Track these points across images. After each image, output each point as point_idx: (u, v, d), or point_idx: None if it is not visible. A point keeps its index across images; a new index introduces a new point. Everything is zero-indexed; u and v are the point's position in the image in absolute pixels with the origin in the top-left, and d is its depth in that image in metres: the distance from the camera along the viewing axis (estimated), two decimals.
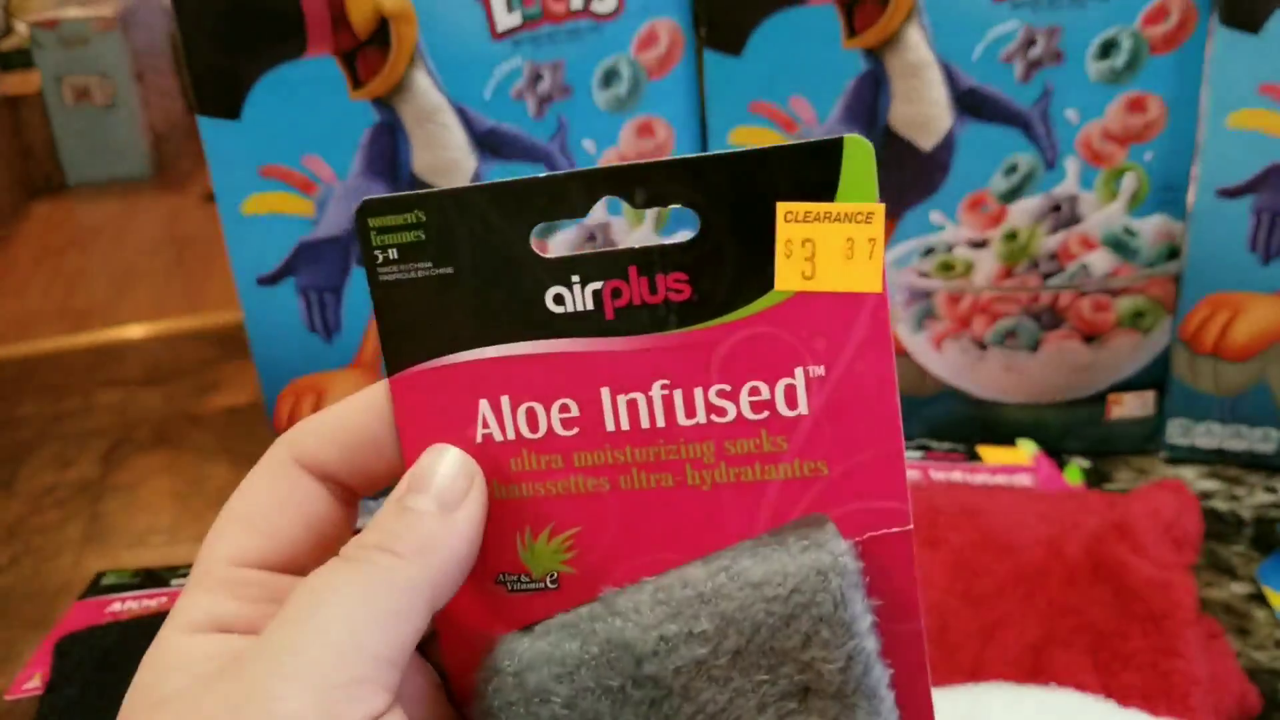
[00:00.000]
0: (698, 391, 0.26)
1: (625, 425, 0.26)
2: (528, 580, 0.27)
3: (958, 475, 0.57)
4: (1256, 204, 0.56)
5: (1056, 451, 0.62)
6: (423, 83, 0.54)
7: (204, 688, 0.23)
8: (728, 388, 0.26)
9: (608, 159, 0.59)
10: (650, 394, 0.26)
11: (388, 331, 0.27)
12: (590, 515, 0.27)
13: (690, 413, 0.26)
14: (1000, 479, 0.58)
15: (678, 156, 0.26)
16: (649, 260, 0.26)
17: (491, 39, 0.54)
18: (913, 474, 0.57)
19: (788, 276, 0.25)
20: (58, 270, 2.66)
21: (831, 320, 0.25)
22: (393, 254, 0.26)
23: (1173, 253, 0.59)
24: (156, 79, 3.15)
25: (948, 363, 0.62)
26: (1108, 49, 0.56)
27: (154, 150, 3.11)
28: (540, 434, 0.26)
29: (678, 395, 0.26)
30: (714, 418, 0.26)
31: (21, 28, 3.12)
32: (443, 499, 0.25)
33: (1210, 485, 0.61)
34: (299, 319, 0.56)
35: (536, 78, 0.56)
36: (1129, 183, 0.58)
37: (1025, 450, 0.61)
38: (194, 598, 0.25)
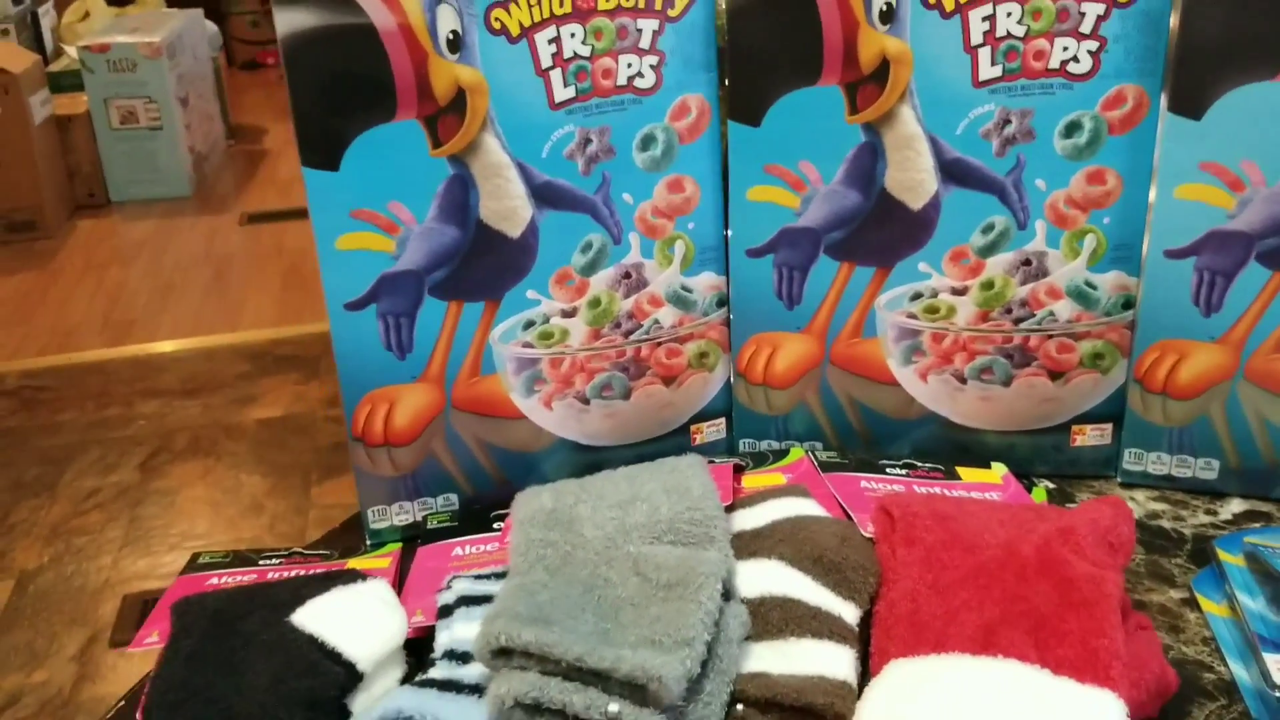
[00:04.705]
0: None
1: None
2: None
3: (937, 489, 0.67)
4: (1199, 264, 0.66)
5: (1026, 474, 0.72)
6: (491, 143, 0.64)
7: None
8: None
9: (643, 210, 0.69)
10: None
11: None
12: None
13: None
14: (974, 495, 0.67)
15: None
16: None
17: (550, 109, 0.64)
18: (898, 486, 0.67)
19: None
20: (100, 284, 2.77)
21: None
22: None
23: (1128, 303, 0.68)
24: (199, 104, 3.28)
25: (932, 392, 0.71)
26: (1072, 129, 0.65)
27: (195, 172, 3.23)
28: None
29: None
30: None
31: (71, 51, 3.25)
32: None
33: (1159, 506, 0.70)
34: (378, 339, 0.65)
35: (586, 141, 0.66)
36: (1090, 243, 0.67)
37: (998, 472, 0.70)
38: None
